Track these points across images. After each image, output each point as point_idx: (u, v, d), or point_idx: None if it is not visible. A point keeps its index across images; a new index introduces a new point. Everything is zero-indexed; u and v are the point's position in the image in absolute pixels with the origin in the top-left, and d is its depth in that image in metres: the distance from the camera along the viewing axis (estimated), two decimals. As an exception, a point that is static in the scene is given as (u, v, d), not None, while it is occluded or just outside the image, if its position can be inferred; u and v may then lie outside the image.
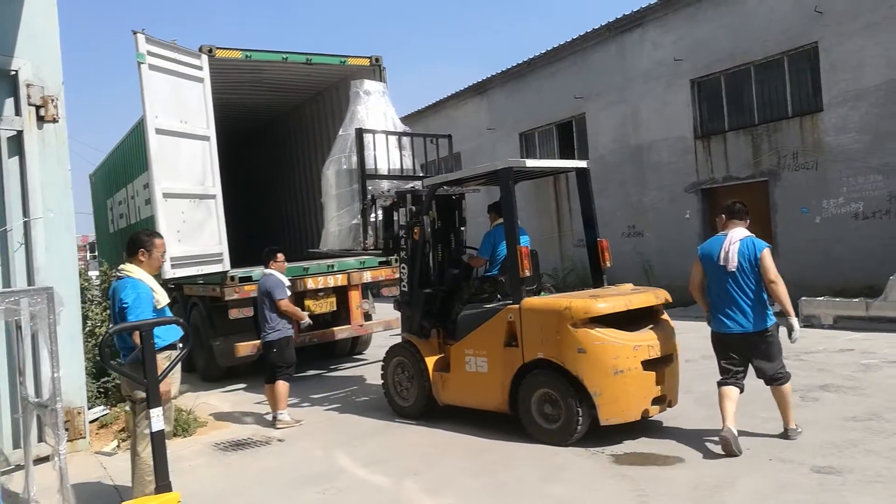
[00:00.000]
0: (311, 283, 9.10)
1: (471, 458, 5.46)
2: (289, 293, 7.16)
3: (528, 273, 5.91)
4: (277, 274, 7.16)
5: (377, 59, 10.06)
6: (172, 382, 4.58)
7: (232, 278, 8.56)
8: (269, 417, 7.13)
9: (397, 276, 7.57)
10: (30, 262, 6.12)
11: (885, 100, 11.09)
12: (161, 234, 5.00)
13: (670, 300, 6.16)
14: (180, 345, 4.68)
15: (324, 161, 11.77)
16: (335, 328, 9.40)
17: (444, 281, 7.08)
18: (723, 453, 5.06)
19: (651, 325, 5.84)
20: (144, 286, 4.53)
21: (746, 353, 5.38)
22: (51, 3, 6.49)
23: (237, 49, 9.19)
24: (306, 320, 7.46)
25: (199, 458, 6.09)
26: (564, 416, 5.49)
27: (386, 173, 7.75)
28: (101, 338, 6.97)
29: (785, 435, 5.33)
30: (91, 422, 6.92)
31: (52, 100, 6.36)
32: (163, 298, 4.61)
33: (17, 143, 6.19)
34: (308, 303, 8.93)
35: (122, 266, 4.69)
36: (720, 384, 5.39)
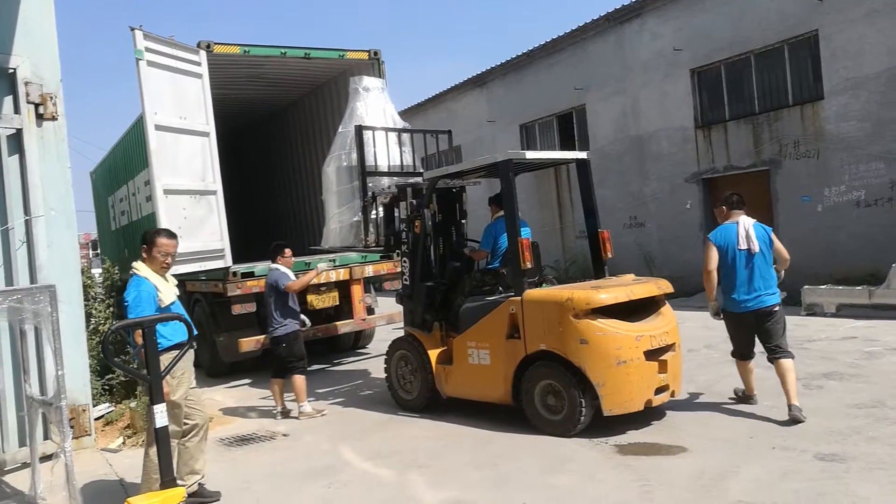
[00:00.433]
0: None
1: (474, 451, 5.48)
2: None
3: (529, 265, 5.91)
4: (283, 269, 7.17)
5: (376, 53, 10.04)
6: (179, 384, 4.54)
7: (234, 274, 8.57)
8: (276, 412, 7.15)
9: (399, 269, 7.58)
10: (32, 261, 6.13)
11: (885, 87, 11.05)
12: (173, 233, 4.93)
13: (672, 290, 6.16)
14: (192, 343, 4.64)
15: (324, 156, 11.76)
16: (338, 322, 9.41)
17: (445, 274, 7.09)
18: (727, 439, 5.07)
19: (653, 316, 5.84)
20: (147, 284, 4.52)
21: (762, 326, 5.78)
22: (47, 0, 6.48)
23: (235, 44, 9.17)
24: (306, 322, 7.47)
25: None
26: (567, 408, 5.50)
27: (386, 170, 7.74)
28: (103, 335, 6.98)
29: (791, 413, 5.44)
30: (96, 419, 6.95)
31: (51, 97, 6.36)
32: (167, 297, 4.59)
33: (16, 142, 6.18)
34: (311, 298, 8.93)
35: (133, 264, 4.70)
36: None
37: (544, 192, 17.52)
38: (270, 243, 7.62)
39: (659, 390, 5.58)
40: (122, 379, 7.66)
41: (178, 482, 4.49)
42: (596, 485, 4.55)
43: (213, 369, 9.64)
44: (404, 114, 22.04)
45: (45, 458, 5.31)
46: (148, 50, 7.63)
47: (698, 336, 9.42)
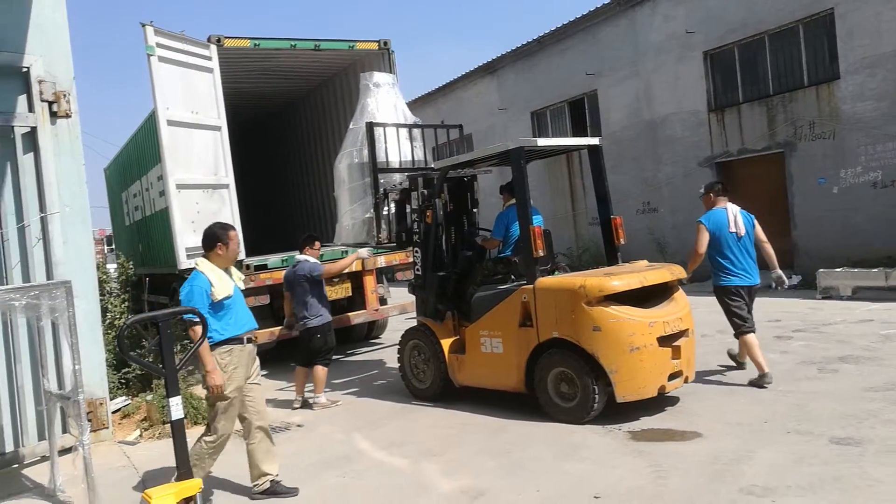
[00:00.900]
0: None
1: (488, 439, 5.50)
2: None
3: (541, 253, 5.89)
4: (312, 259, 7.22)
5: (385, 43, 10.02)
6: (231, 380, 4.53)
7: (247, 267, 8.62)
8: (296, 402, 7.21)
9: (411, 260, 7.59)
10: (48, 257, 6.21)
11: (902, 65, 10.87)
12: (234, 226, 5.03)
13: (685, 276, 6.13)
14: (249, 338, 4.69)
15: (336, 148, 11.80)
16: (351, 313, 9.45)
17: (457, 263, 7.09)
18: (741, 424, 5.06)
19: (666, 302, 5.82)
20: (202, 279, 4.53)
21: (749, 302, 6.51)
22: (59, -2, 6.52)
23: (245, 38, 9.19)
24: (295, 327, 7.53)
25: (221, 444, 6.16)
26: (580, 395, 5.51)
27: (398, 166, 7.74)
28: (118, 329, 7.06)
29: (761, 380, 6.12)
30: (113, 412, 7.05)
31: (65, 95, 6.41)
32: (221, 291, 4.55)
33: (31, 140, 6.25)
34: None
35: (196, 259, 4.73)
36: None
37: (556, 179, 17.44)
38: (283, 236, 7.67)
39: (672, 376, 5.56)
40: (139, 372, 7.75)
41: (254, 485, 4.66)
42: (609, 471, 4.56)
43: (229, 361, 9.70)
44: (414, 103, 22.16)
45: (64, 451, 5.40)
46: (159, 45, 7.67)
47: (711, 321, 9.35)
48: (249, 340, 4.70)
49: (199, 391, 6.80)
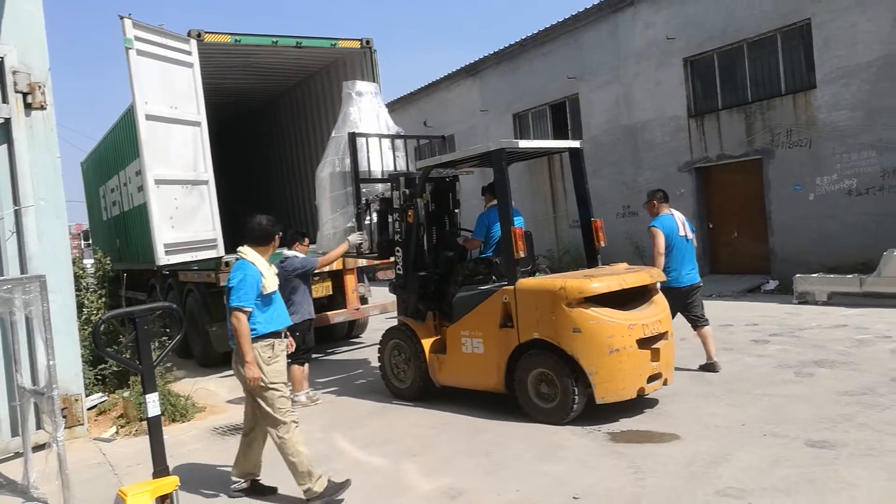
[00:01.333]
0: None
1: (468, 439, 5.49)
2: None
3: (522, 254, 5.90)
4: (302, 255, 7.17)
5: (368, 42, 9.99)
6: (280, 372, 4.49)
7: (227, 264, 8.53)
8: (293, 398, 7.15)
9: (392, 259, 7.57)
10: (22, 251, 6.10)
11: (877, 76, 11.08)
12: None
13: (664, 279, 6.19)
14: (286, 333, 4.68)
15: (316, 145, 11.77)
16: (331, 312, 9.41)
17: (438, 263, 7.09)
18: (719, 426, 5.11)
19: (645, 304, 5.86)
20: (253, 269, 4.49)
21: (692, 298, 7.01)
22: (36, -13, 6.41)
23: (226, 33, 9.10)
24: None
25: (198, 442, 6.10)
26: (560, 396, 5.53)
27: (380, 176, 7.70)
28: (94, 325, 6.97)
29: (712, 367, 6.85)
30: (89, 409, 6.94)
31: (40, 86, 6.30)
32: (270, 284, 4.54)
33: (4, 131, 6.14)
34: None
35: (239, 248, 4.64)
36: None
37: (537, 181, 17.51)
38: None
39: (651, 378, 5.60)
40: (115, 369, 7.65)
41: (234, 480, 4.60)
42: (589, 472, 4.58)
43: (206, 359, 9.63)
44: (397, 103, 22.13)
45: (38, 447, 5.32)
46: (137, 39, 7.57)
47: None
48: (286, 336, 4.70)
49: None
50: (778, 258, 12.61)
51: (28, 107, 6.26)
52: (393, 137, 8.01)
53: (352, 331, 10.93)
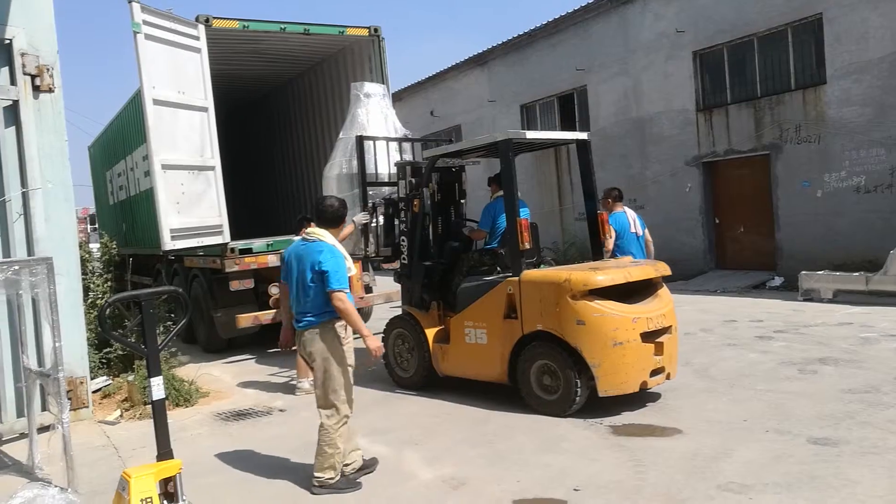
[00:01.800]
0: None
1: (470, 429, 5.51)
2: None
3: (527, 245, 5.90)
4: None
5: (376, 30, 9.94)
6: (351, 352, 4.58)
7: (232, 250, 8.56)
8: (298, 385, 7.22)
9: (397, 262, 7.56)
10: (29, 233, 6.12)
11: (888, 72, 10.99)
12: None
13: (669, 273, 6.18)
14: None
15: (322, 133, 11.76)
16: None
17: (443, 254, 7.08)
18: (721, 422, 5.11)
19: (650, 298, 5.86)
20: (342, 254, 4.55)
21: None
22: (45, -30, 6.40)
23: (234, 19, 9.08)
24: None
25: (201, 427, 6.14)
26: (563, 388, 5.53)
27: (387, 178, 7.69)
28: (99, 308, 7.01)
29: None
30: (94, 392, 6.98)
31: (48, 69, 6.30)
32: (351, 266, 4.60)
33: (13, 113, 6.15)
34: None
35: (312, 231, 4.64)
36: None
37: (544, 173, 17.48)
38: (268, 221, 7.62)
39: (655, 372, 5.60)
40: (120, 352, 7.69)
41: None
42: (589, 464, 4.59)
43: (211, 345, 9.67)
44: (404, 92, 22.07)
45: (43, 429, 5.34)
46: (146, 23, 7.55)
47: (695, 319, 9.46)
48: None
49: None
50: (784, 254, 12.57)
51: (36, 89, 6.26)
52: (400, 140, 7.99)
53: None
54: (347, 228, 7.33)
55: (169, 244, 7.70)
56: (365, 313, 10.89)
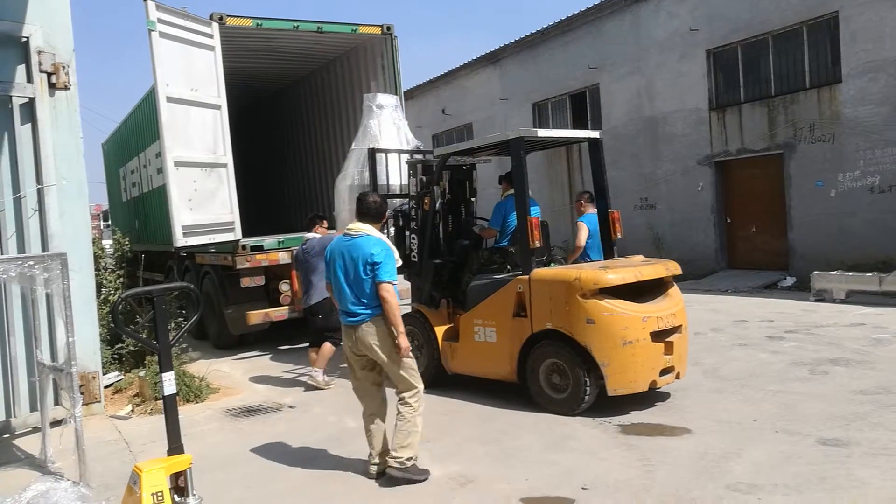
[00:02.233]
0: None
1: (479, 426, 5.52)
2: None
3: (538, 244, 5.89)
4: (320, 236, 7.26)
5: (388, 28, 9.96)
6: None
7: (244, 247, 8.60)
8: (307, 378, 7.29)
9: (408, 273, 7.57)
10: (44, 229, 6.18)
11: (905, 71, 10.89)
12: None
13: (680, 272, 6.15)
14: None
15: (334, 132, 11.80)
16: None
17: (453, 251, 7.09)
18: (731, 422, 5.10)
19: (660, 297, 5.84)
20: (392, 248, 4.62)
21: None
22: (61, -32, 6.46)
23: (248, 17, 9.11)
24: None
25: (211, 423, 6.19)
26: (572, 386, 5.53)
27: (398, 190, 7.71)
28: (112, 304, 7.07)
29: None
30: (106, 387, 7.04)
31: (64, 67, 6.36)
32: (398, 258, 4.68)
33: (29, 110, 6.21)
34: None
35: (356, 225, 4.66)
36: None
37: (555, 172, 17.44)
38: (279, 218, 7.66)
39: (664, 372, 5.59)
40: (132, 348, 7.76)
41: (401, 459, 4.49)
42: (598, 463, 4.59)
43: (221, 341, 9.73)
44: (416, 90, 22.08)
45: (56, 423, 5.41)
46: (160, 21, 7.60)
47: (705, 319, 9.42)
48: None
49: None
50: (796, 254, 12.48)
51: (52, 87, 6.32)
52: (412, 152, 8.00)
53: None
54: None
55: (181, 241, 7.75)
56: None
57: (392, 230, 7.48)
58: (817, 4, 11.92)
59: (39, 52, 6.23)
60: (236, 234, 8.54)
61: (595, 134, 6.78)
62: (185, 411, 6.27)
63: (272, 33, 9.79)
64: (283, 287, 8.95)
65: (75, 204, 6.50)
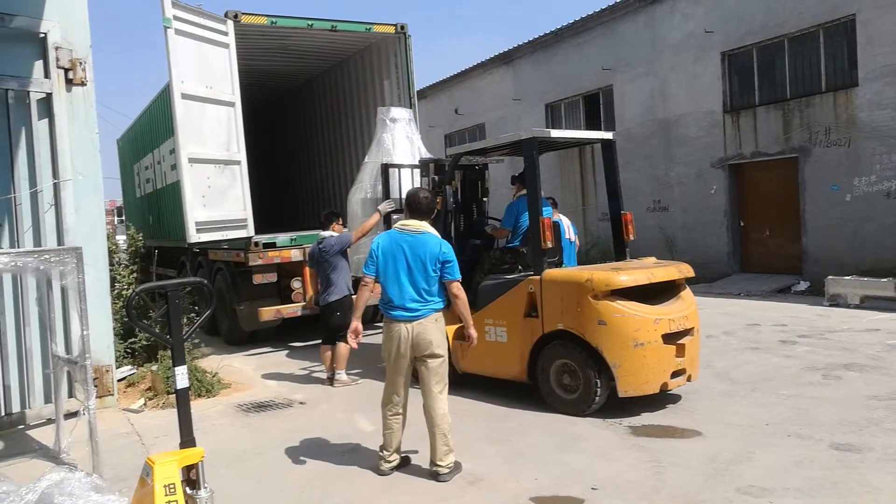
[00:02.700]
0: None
1: (488, 426, 5.52)
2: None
3: (550, 245, 5.89)
4: (337, 234, 7.33)
5: (402, 27, 9.98)
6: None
7: (256, 244, 8.65)
8: (325, 377, 7.32)
9: None
10: (59, 223, 6.24)
11: (923, 75, 10.78)
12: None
13: (693, 275, 6.12)
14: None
15: (347, 129, 11.83)
16: (355, 296, 9.47)
17: (465, 251, 7.09)
18: (742, 425, 5.07)
19: (672, 299, 5.82)
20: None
21: None
22: (78, -35, 6.52)
23: (263, 15, 9.16)
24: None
25: (223, 418, 6.22)
26: (582, 387, 5.52)
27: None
28: (126, 298, 7.12)
29: None
30: (119, 381, 7.10)
31: (81, 63, 6.42)
32: None
33: (46, 106, 6.27)
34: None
35: (412, 222, 4.67)
36: None
37: (568, 173, 17.40)
38: (291, 216, 7.69)
39: (675, 374, 5.56)
40: (145, 342, 7.81)
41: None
42: (608, 464, 4.58)
43: (233, 337, 9.78)
44: (429, 90, 22.10)
45: (70, 415, 5.46)
46: (176, 18, 7.65)
47: (718, 322, 9.38)
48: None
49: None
50: (810, 259, 12.39)
51: (69, 83, 6.38)
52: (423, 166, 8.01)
53: (376, 315, 10.98)
54: (373, 218, 7.40)
55: (194, 237, 7.80)
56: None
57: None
58: (834, 7, 11.83)
59: (57, 48, 6.29)
60: (249, 231, 8.58)
61: (608, 135, 6.77)
62: (197, 406, 6.30)
63: (286, 31, 9.84)
64: (295, 284, 8.98)
65: (91, 199, 6.56)
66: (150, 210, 12.98)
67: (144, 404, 6.65)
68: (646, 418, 5.46)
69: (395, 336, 4.60)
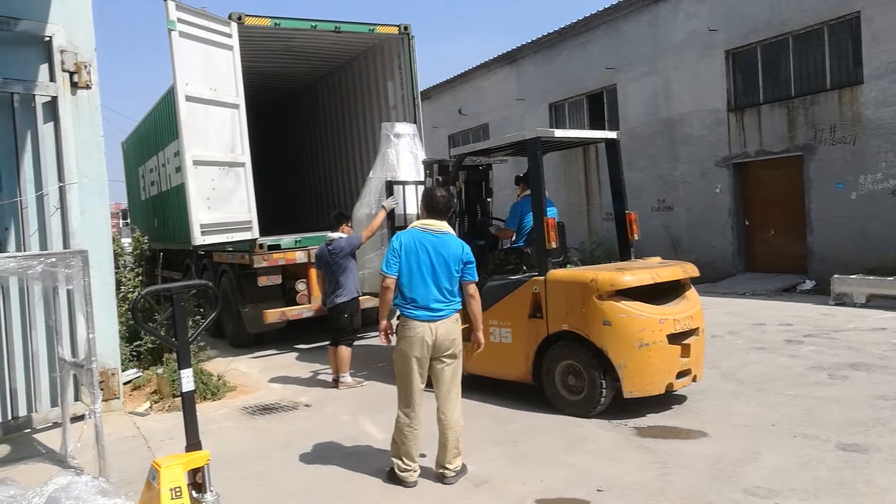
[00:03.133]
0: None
1: (493, 427, 5.52)
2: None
3: (554, 245, 5.88)
4: (346, 235, 7.35)
5: (406, 28, 9.98)
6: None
7: (261, 246, 8.66)
8: (330, 379, 7.33)
9: None
10: (65, 226, 6.27)
11: (928, 73, 10.73)
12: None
13: (698, 274, 6.11)
14: None
15: (351, 131, 11.84)
16: (362, 297, 9.48)
17: (469, 252, 7.08)
18: (748, 425, 5.05)
19: (677, 299, 5.80)
20: None
21: None
22: (83, -31, 6.54)
23: (266, 17, 9.17)
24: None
25: (228, 420, 6.23)
26: (588, 388, 5.51)
27: (416, 220, 7.72)
28: (132, 301, 7.14)
29: None
30: (124, 384, 7.12)
31: (86, 66, 6.44)
32: None
33: (51, 109, 6.29)
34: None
35: (432, 222, 4.66)
36: None
37: (572, 172, 17.39)
38: (295, 218, 7.69)
39: (681, 374, 5.55)
40: (150, 346, 7.83)
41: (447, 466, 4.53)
42: (614, 465, 4.57)
43: (238, 339, 9.80)
44: (432, 90, 22.10)
45: (76, 418, 5.48)
46: (180, 21, 7.66)
47: (723, 322, 9.35)
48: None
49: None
50: (816, 258, 12.35)
51: (74, 86, 6.41)
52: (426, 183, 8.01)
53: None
54: (379, 216, 7.41)
55: (199, 239, 7.81)
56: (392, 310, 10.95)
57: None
58: (838, 4, 11.79)
59: (62, 52, 6.31)
60: (254, 233, 8.59)
61: (612, 135, 6.75)
62: (203, 409, 6.31)
63: (290, 33, 9.84)
64: (300, 286, 9.00)
65: (96, 202, 6.59)
66: (155, 213, 13.01)
67: (150, 407, 6.66)
68: (651, 419, 5.45)
69: (418, 336, 4.51)
